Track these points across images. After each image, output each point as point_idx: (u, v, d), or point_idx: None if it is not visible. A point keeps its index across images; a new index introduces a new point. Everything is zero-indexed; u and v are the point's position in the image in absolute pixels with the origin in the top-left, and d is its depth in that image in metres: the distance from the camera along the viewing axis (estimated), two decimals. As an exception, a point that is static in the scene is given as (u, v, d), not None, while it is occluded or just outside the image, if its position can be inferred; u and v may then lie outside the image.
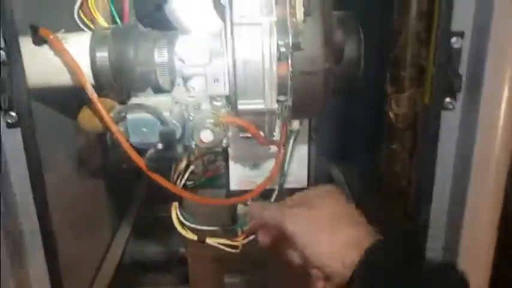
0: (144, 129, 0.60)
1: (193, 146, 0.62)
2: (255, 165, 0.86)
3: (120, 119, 0.61)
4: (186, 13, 0.73)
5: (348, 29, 0.63)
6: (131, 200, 1.23)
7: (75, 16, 0.68)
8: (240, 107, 0.59)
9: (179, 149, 0.60)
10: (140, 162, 0.60)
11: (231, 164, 0.85)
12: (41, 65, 0.64)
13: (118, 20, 0.72)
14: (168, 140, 0.58)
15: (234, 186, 0.86)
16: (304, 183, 0.88)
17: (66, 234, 0.84)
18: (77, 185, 0.91)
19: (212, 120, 0.61)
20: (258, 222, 0.64)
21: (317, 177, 1.27)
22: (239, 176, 0.86)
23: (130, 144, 0.61)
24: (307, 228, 0.56)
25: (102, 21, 0.71)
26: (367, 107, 0.90)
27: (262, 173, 0.86)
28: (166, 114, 0.59)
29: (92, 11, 0.69)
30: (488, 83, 0.53)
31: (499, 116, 0.53)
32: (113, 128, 0.60)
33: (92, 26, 0.69)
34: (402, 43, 0.63)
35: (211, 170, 0.84)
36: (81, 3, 0.68)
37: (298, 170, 0.87)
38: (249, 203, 0.72)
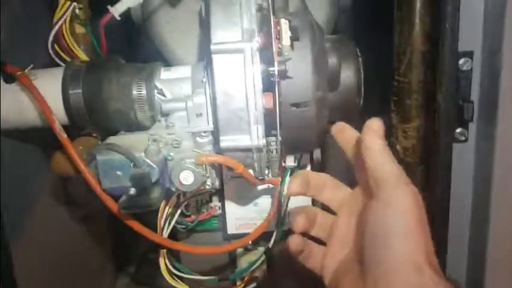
0: (118, 172, 0.53)
1: (172, 188, 0.56)
2: (255, 205, 0.79)
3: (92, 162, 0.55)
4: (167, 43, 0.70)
5: (344, 53, 0.56)
6: (133, 244, 1.18)
7: (50, 50, 0.63)
8: (222, 144, 0.53)
9: (157, 192, 0.53)
10: (115, 209, 0.54)
11: (227, 204, 0.78)
12: (11, 105, 0.59)
13: (100, 53, 0.68)
14: (141, 183, 0.51)
15: (231, 229, 0.79)
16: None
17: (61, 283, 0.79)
18: (72, 230, 0.87)
19: (193, 160, 0.54)
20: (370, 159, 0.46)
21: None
22: (237, 218, 0.79)
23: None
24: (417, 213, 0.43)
25: (81, 55, 0.66)
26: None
27: (262, 213, 0.79)
28: (140, 154, 0.53)
29: (69, 43, 0.64)
30: (505, 109, 0.45)
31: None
32: (84, 170, 0.54)
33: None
34: (406, 66, 0.56)
35: (206, 212, 0.78)
36: (57, 36, 0.63)
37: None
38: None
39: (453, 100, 0.49)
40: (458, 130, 0.50)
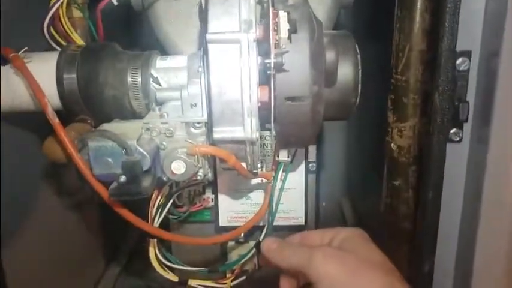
0: (109, 159, 0.53)
1: (164, 178, 0.55)
2: (247, 198, 0.79)
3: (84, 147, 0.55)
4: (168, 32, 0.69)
5: (343, 49, 0.56)
6: (124, 235, 1.18)
7: (45, 33, 0.62)
8: (215, 135, 0.52)
9: (148, 181, 0.53)
10: (105, 195, 0.54)
11: (220, 197, 0.78)
12: (4, 87, 0.59)
13: (97, 39, 0.67)
14: (132, 171, 0.51)
15: (223, 222, 0.79)
16: (301, 219, 0.80)
17: (51, 271, 0.80)
18: (63, 219, 0.87)
19: (185, 150, 0.54)
20: (276, 262, 0.51)
21: (324, 212, 1.21)
22: (229, 211, 0.79)
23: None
24: (340, 271, 0.46)
25: (77, 39, 0.65)
26: (373, 136, 0.83)
27: (255, 207, 0.79)
28: (132, 142, 0.52)
29: (66, 27, 0.63)
30: (500, 112, 0.45)
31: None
32: (75, 156, 0.53)
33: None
34: (404, 65, 0.56)
35: (198, 203, 0.77)
36: (53, 20, 0.63)
37: (294, 205, 0.79)
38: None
39: (449, 100, 0.48)
40: (453, 130, 0.50)
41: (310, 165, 0.78)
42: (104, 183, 0.54)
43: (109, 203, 0.55)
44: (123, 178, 0.51)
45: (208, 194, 0.78)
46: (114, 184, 0.52)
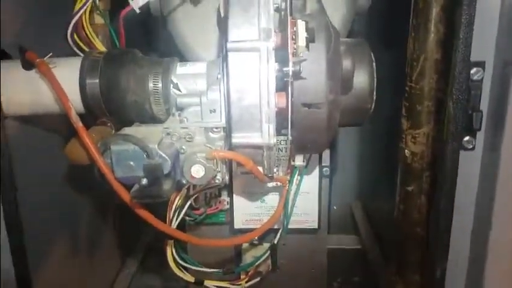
0: (131, 162, 0.54)
1: (183, 181, 0.57)
2: (262, 201, 0.80)
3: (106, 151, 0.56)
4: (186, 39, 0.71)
5: (359, 57, 0.57)
6: (141, 233, 1.19)
7: (69, 39, 0.64)
8: (234, 140, 0.54)
9: (168, 184, 0.55)
10: (127, 197, 0.56)
11: (236, 199, 0.80)
12: (29, 91, 0.61)
13: (118, 44, 0.69)
14: (154, 174, 0.53)
15: (238, 224, 0.81)
16: (315, 223, 0.81)
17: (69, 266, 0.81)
18: (80, 216, 0.89)
19: (204, 154, 0.55)
20: None
21: (335, 215, 1.22)
22: (244, 214, 0.80)
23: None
24: None
25: (99, 45, 0.67)
26: (385, 141, 0.84)
27: (269, 210, 0.80)
28: (153, 146, 0.54)
29: (88, 34, 0.65)
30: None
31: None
32: (98, 159, 0.55)
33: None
34: (418, 73, 0.57)
35: (214, 206, 0.79)
36: (76, 26, 0.65)
37: (308, 209, 0.81)
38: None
39: (463, 109, 0.49)
40: (466, 138, 0.51)
41: (324, 169, 0.79)
42: (125, 185, 0.56)
43: (130, 205, 0.57)
44: (144, 181, 0.53)
45: (224, 197, 0.80)
46: (136, 187, 0.53)
